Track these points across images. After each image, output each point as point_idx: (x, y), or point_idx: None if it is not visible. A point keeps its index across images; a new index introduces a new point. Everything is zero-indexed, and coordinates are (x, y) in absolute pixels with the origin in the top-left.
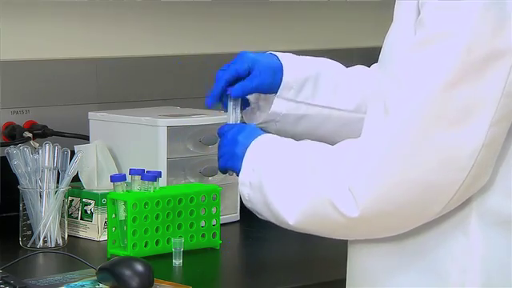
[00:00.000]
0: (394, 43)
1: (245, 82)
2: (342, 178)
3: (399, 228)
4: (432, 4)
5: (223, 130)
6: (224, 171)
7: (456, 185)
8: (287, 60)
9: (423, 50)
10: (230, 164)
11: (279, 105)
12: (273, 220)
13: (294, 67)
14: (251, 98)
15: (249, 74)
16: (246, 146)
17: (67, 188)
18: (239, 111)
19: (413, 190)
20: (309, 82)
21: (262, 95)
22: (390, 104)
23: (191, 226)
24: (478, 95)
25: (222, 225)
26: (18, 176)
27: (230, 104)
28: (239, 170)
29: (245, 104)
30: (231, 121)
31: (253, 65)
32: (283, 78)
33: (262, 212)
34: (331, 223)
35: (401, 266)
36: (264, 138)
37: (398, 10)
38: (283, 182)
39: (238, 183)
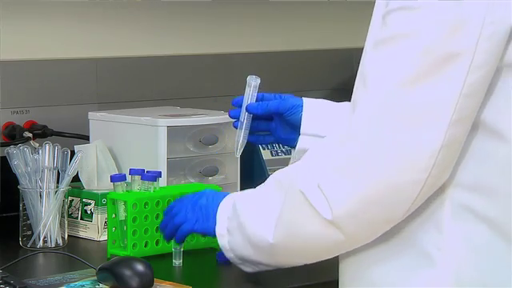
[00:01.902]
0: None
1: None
2: (312, 175)
3: (366, 234)
4: (394, 4)
5: (172, 207)
6: (183, 239)
7: (418, 185)
8: (308, 100)
9: (383, 48)
10: (199, 226)
11: (305, 142)
12: (256, 254)
13: (315, 105)
14: None
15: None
16: (217, 204)
17: (67, 188)
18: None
19: (377, 189)
20: (331, 116)
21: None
22: (355, 102)
23: None
24: (436, 96)
25: None
26: (18, 176)
27: (244, 117)
28: (212, 228)
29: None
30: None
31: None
32: (303, 113)
33: (244, 251)
34: (307, 223)
35: (374, 268)
36: (233, 195)
37: (375, 7)
38: (257, 207)
39: (238, 183)
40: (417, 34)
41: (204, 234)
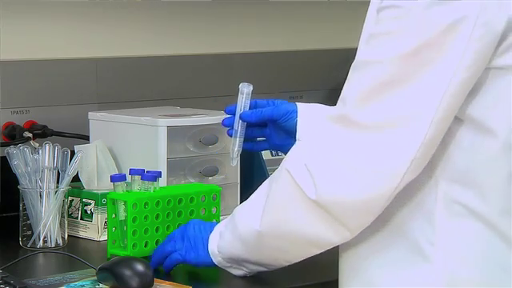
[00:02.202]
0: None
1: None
2: (300, 155)
3: (355, 221)
4: (387, 1)
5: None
6: (171, 268)
7: (397, 178)
8: (303, 107)
9: (373, 44)
10: (189, 256)
11: None
12: (244, 249)
13: (309, 110)
14: None
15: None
16: (206, 233)
17: (67, 188)
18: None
19: (360, 175)
20: None
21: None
22: (344, 93)
23: None
24: (419, 96)
25: None
26: (18, 176)
27: (239, 125)
28: (202, 257)
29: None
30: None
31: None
32: (298, 119)
33: (232, 249)
34: (292, 205)
35: (369, 262)
36: (222, 223)
37: (370, 4)
38: (248, 203)
39: (238, 183)
40: (406, 32)
41: (195, 265)
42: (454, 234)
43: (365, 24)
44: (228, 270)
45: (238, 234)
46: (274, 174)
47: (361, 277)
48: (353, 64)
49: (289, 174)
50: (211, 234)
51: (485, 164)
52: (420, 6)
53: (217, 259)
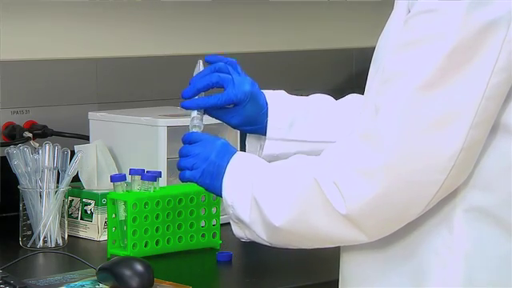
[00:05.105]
0: (385, 42)
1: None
2: (328, 172)
3: (379, 231)
4: (419, 6)
5: (191, 138)
6: (183, 181)
7: (436, 186)
8: (274, 100)
9: (408, 51)
10: (203, 181)
11: (271, 147)
12: (256, 227)
13: (281, 107)
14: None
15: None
16: (223, 166)
17: (67, 188)
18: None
19: (394, 190)
20: (298, 119)
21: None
22: (379, 104)
23: (191, 226)
24: (459, 98)
25: (221, 225)
26: (18, 176)
27: (194, 112)
28: (218, 187)
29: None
30: (190, 128)
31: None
32: (269, 118)
33: (245, 217)
34: (318, 214)
35: (387, 270)
36: (247, 157)
37: (395, 9)
38: (273, 185)
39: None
40: (443, 35)
41: (206, 190)
42: (473, 238)
43: (387, 33)
44: (232, 225)
45: (260, 211)
46: (295, 168)
47: (361, 276)
48: (382, 73)
49: (317, 184)
50: (225, 179)
51: (507, 169)
52: (456, 8)
53: (228, 210)
